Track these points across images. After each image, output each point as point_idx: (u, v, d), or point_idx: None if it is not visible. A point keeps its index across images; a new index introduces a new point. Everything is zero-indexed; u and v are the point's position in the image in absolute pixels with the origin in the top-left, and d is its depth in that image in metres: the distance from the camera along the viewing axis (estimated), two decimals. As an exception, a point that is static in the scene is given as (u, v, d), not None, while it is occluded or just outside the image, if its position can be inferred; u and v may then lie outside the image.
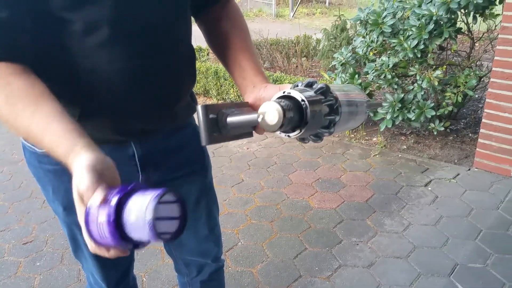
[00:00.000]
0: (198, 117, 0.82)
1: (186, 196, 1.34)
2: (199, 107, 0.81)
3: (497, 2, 3.36)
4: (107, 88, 0.99)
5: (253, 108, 0.97)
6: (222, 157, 3.82)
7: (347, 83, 3.79)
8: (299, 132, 0.80)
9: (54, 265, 2.54)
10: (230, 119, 0.84)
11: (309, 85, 0.84)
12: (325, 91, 0.82)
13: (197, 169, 1.36)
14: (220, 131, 0.85)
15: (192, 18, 1.19)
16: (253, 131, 0.94)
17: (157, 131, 1.19)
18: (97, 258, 1.28)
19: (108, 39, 0.93)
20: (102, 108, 1.03)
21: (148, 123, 1.14)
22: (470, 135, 3.95)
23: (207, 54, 6.04)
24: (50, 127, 0.82)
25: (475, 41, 3.82)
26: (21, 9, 0.85)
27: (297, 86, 0.85)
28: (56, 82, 0.91)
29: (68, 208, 1.16)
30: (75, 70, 0.92)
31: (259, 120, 0.77)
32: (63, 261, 2.57)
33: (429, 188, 3.18)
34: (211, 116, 0.82)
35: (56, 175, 1.13)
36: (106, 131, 1.08)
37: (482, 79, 3.85)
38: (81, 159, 0.76)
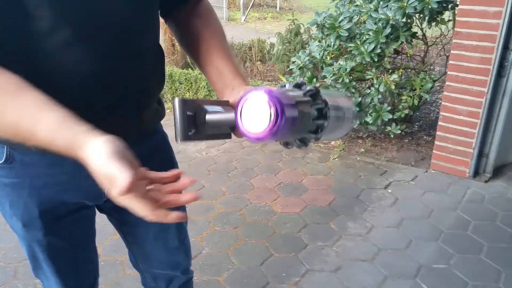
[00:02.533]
0: (174, 111, 0.75)
1: None
2: (176, 100, 0.75)
3: (449, 8, 3.46)
4: (67, 92, 0.90)
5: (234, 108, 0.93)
6: (181, 163, 3.68)
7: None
8: None
9: (6, 281, 2.37)
10: (209, 117, 0.79)
11: (298, 86, 0.78)
12: (315, 93, 0.76)
13: None
14: (197, 129, 0.79)
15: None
16: (232, 134, 0.87)
17: (123, 139, 1.12)
18: (60, 275, 1.21)
19: (71, 40, 0.86)
20: None
21: (113, 130, 1.07)
22: (425, 137, 4.04)
23: (161, 58, 5.93)
24: (42, 119, 0.75)
25: (429, 45, 3.91)
26: None
27: (284, 86, 0.79)
28: None
29: (28, 224, 1.09)
30: (33, 72, 0.83)
31: None
32: (16, 275, 2.41)
33: (389, 190, 3.22)
34: (188, 112, 0.76)
35: (15, 188, 1.05)
36: None
37: (434, 83, 3.95)
38: (97, 151, 0.71)
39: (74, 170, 1.01)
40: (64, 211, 1.11)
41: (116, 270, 2.43)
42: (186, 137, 0.77)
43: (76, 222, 1.17)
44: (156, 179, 0.77)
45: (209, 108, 0.80)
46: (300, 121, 0.71)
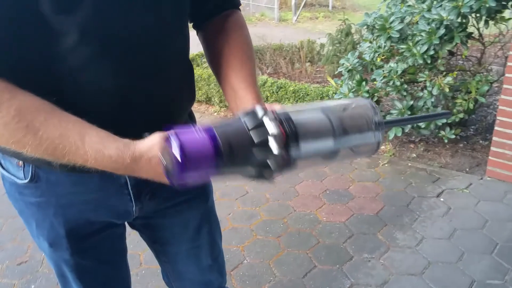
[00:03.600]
0: None
1: (186, 224, 1.25)
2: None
3: (509, 6, 3.25)
4: (93, 110, 0.87)
5: None
6: (226, 167, 3.69)
7: (354, 96, 3.67)
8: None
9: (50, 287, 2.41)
10: None
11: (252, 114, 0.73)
12: (262, 123, 0.71)
13: (197, 193, 1.24)
14: None
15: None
16: None
17: None
18: None
19: (95, 54, 0.84)
20: None
21: None
22: (481, 142, 3.83)
23: (210, 60, 5.92)
24: (88, 131, 0.78)
25: (486, 46, 3.71)
26: (5, 15, 0.74)
27: (253, 113, 0.74)
28: None
29: (55, 244, 1.08)
30: (56, 90, 0.82)
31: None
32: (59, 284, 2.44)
33: (442, 199, 3.06)
34: None
35: (40, 208, 1.03)
36: None
37: (492, 85, 3.73)
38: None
39: (99, 188, 1.03)
40: (90, 230, 1.10)
41: (156, 279, 2.41)
42: None
43: (104, 240, 1.15)
44: None
45: None
46: (228, 154, 0.69)
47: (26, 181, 0.99)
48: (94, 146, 0.76)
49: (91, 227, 1.09)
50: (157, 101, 0.98)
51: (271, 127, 0.70)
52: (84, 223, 1.07)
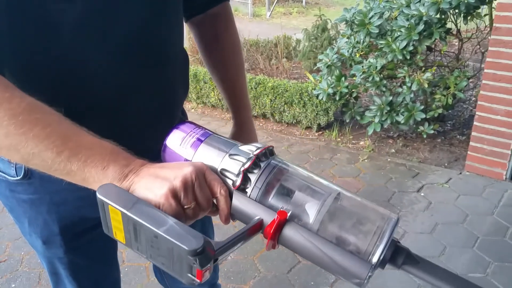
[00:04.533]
0: None
1: None
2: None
3: (486, 1, 3.30)
4: (89, 105, 0.85)
5: None
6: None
7: (334, 91, 3.66)
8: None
9: (31, 286, 2.35)
10: None
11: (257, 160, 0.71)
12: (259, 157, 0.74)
13: None
14: None
15: None
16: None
17: (146, 153, 1.06)
18: None
19: (94, 47, 0.81)
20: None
21: (138, 143, 1.00)
22: (458, 137, 3.89)
23: (185, 56, 5.86)
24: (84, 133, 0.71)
25: (464, 42, 3.75)
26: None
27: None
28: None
29: (48, 241, 1.05)
30: (53, 87, 0.80)
31: None
32: (40, 281, 2.38)
33: (422, 194, 3.09)
34: None
35: (33, 205, 1.00)
36: None
37: (468, 80, 3.79)
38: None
39: None
40: (84, 227, 1.08)
41: (140, 276, 2.37)
42: None
43: (97, 237, 1.12)
44: None
45: None
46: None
47: (19, 178, 0.96)
48: (91, 140, 0.71)
49: (85, 224, 1.07)
50: (154, 94, 0.96)
51: (245, 161, 0.71)
52: (78, 220, 1.05)
